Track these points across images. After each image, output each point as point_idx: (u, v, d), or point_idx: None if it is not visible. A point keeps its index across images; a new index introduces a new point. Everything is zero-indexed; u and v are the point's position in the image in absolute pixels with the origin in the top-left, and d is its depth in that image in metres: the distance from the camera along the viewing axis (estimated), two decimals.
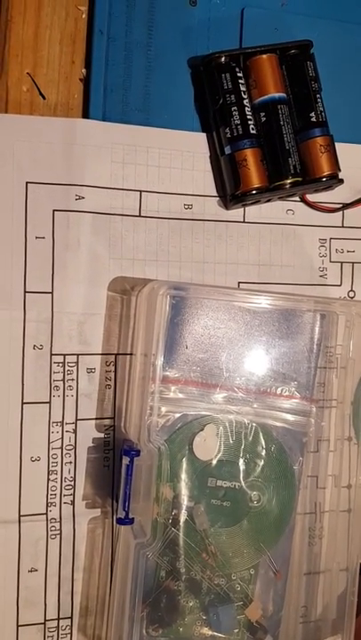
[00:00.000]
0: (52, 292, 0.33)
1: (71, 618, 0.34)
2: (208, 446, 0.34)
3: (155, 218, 0.35)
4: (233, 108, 0.33)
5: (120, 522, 0.31)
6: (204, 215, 0.35)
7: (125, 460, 0.31)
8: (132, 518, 0.31)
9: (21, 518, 0.33)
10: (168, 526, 0.33)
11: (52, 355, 0.33)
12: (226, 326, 0.34)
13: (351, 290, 0.37)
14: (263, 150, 0.34)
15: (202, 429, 0.34)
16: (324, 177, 0.34)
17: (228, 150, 0.34)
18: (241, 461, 0.34)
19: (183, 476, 0.33)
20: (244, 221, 0.36)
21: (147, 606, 0.33)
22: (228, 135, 0.34)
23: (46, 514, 0.33)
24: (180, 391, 0.34)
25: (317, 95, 0.34)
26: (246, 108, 0.34)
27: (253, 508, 0.34)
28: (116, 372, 0.34)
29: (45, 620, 0.33)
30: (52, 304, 0.33)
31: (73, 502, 0.34)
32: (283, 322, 0.35)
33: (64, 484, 0.33)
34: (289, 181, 0.34)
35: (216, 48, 0.35)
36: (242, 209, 0.36)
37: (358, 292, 0.37)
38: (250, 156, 0.33)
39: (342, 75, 0.37)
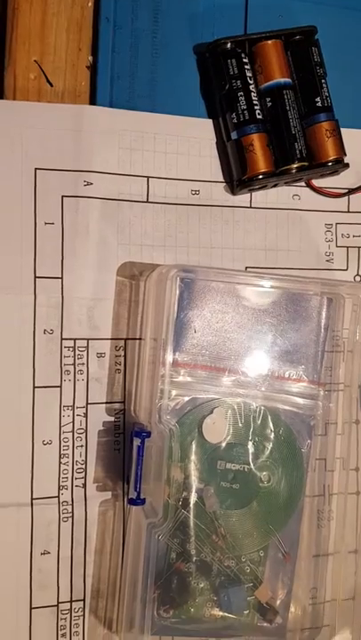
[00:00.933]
0: (61, 278, 0.34)
1: (84, 600, 0.34)
2: (217, 429, 0.34)
3: (162, 204, 0.35)
4: (239, 94, 0.34)
5: (132, 502, 0.31)
6: (211, 200, 0.36)
7: (137, 442, 0.31)
8: (144, 499, 0.31)
9: (34, 501, 0.33)
10: (178, 508, 0.33)
11: (62, 339, 0.34)
12: (234, 310, 0.34)
13: (358, 274, 0.38)
14: (269, 135, 0.34)
15: (211, 412, 0.34)
16: (330, 161, 0.35)
17: (234, 135, 0.34)
18: (250, 444, 0.34)
19: (193, 458, 0.34)
20: (250, 207, 0.36)
21: (158, 587, 0.33)
22: (235, 120, 0.34)
23: (58, 497, 0.34)
24: (190, 375, 0.34)
25: (322, 80, 0.35)
26: (252, 94, 0.34)
27: (263, 488, 0.34)
28: (125, 356, 0.35)
29: (58, 603, 0.34)
30: (61, 289, 0.34)
31: (84, 485, 0.34)
32: (290, 305, 0.35)
33: (75, 467, 0.34)
34: (295, 166, 0.34)
35: (221, 35, 0.35)
36: (248, 194, 0.36)
37: None
38: (256, 141, 0.34)
39: (347, 60, 0.38)
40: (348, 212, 0.38)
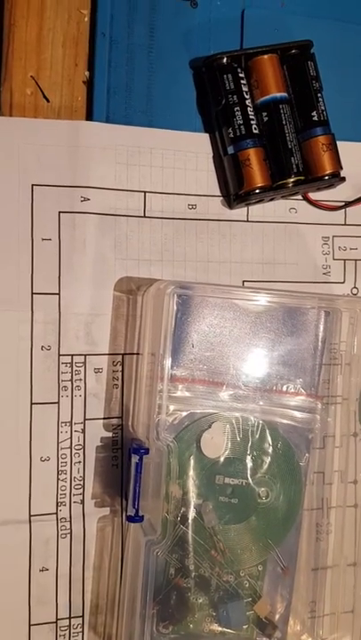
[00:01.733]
0: (59, 294, 0.34)
1: (82, 616, 0.34)
2: (215, 444, 0.34)
3: (159, 218, 0.35)
4: (235, 109, 0.34)
5: (130, 519, 0.31)
6: (207, 215, 0.36)
7: (135, 459, 0.31)
8: (142, 516, 0.31)
9: (32, 518, 0.33)
10: (177, 524, 0.33)
11: (59, 355, 0.34)
12: (231, 324, 0.34)
13: (354, 287, 0.38)
14: (266, 150, 0.34)
15: (209, 427, 0.34)
16: (326, 175, 0.35)
17: (231, 150, 0.34)
18: (248, 458, 0.34)
19: (191, 473, 0.34)
20: (247, 220, 0.36)
21: (157, 603, 0.33)
22: (231, 135, 0.34)
23: (56, 513, 0.33)
24: (187, 389, 0.34)
25: (318, 94, 0.35)
26: (249, 108, 0.34)
27: (262, 504, 0.34)
28: (123, 371, 0.35)
29: (57, 619, 0.34)
30: (59, 305, 0.34)
31: (82, 501, 0.34)
32: (287, 319, 0.35)
33: (73, 483, 0.34)
34: (292, 180, 0.34)
35: (217, 49, 0.35)
36: (245, 208, 0.36)
37: None
38: (253, 156, 0.34)
39: (342, 74, 0.38)
40: (345, 224, 0.38)
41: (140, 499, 0.31)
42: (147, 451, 0.31)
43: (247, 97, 0.34)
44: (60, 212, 0.34)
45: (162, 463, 0.31)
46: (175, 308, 0.32)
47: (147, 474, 0.31)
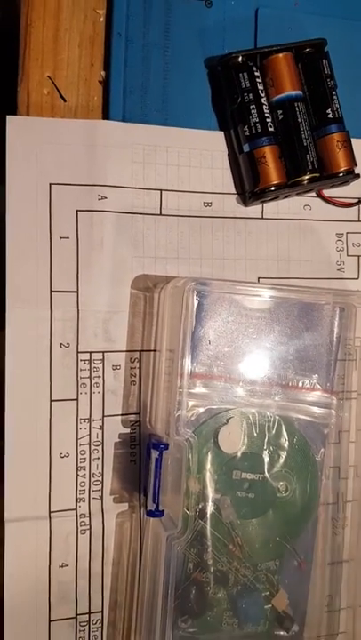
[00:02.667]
0: (77, 291, 0.34)
1: (102, 612, 0.34)
2: (233, 439, 0.34)
3: (175, 216, 0.35)
4: (251, 107, 0.34)
5: (150, 514, 0.32)
6: (223, 212, 0.36)
7: (155, 454, 0.31)
8: (163, 510, 0.32)
9: (52, 514, 0.33)
10: (196, 519, 0.33)
11: (78, 352, 0.34)
12: (247, 321, 0.35)
13: None
14: (281, 147, 0.35)
15: (226, 423, 0.34)
16: (341, 172, 0.35)
17: (246, 148, 0.34)
18: (265, 453, 0.35)
19: (209, 468, 0.34)
20: (262, 218, 0.37)
21: (176, 598, 0.34)
22: (247, 133, 0.34)
23: (76, 509, 0.34)
24: (205, 385, 0.34)
25: (333, 92, 0.35)
26: (264, 106, 0.34)
27: (280, 498, 0.34)
28: (140, 368, 0.35)
29: (77, 615, 0.34)
30: (77, 302, 0.34)
31: (101, 497, 0.34)
32: (302, 315, 0.35)
33: (92, 479, 0.34)
34: (307, 177, 0.35)
35: (231, 48, 0.36)
36: (260, 205, 0.36)
37: None
38: (268, 153, 0.34)
39: (356, 72, 0.38)
40: (359, 221, 0.38)
41: (160, 494, 0.31)
42: (166, 446, 0.32)
43: (262, 95, 0.34)
44: (77, 211, 0.34)
45: (182, 458, 0.32)
46: (195, 303, 0.32)
47: (166, 469, 0.32)
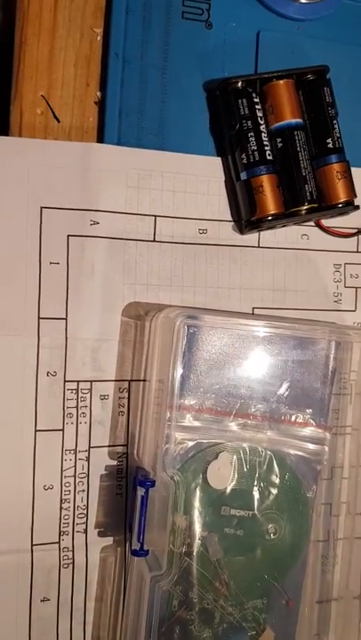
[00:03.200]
0: (65, 318, 0.33)
1: None
2: (222, 475, 0.33)
3: (169, 242, 0.34)
4: (250, 134, 0.33)
5: (135, 553, 0.31)
6: (218, 240, 0.35)
7: (140, 491, 0.31)
8: (147, 550, 0.31)
9: (34, 547, 0.32)
10: (182, 556, 0.32)
11: (65, 381, 0.33)
12: (240, 353, 0.34)
13: None
14: (279, 176, 0.34)
15: (216, 457, 0.33)
16: (340, 204, 0.34)
17: (244, 176, 0.33)
18: (255, 489, 0.34)
19: (197, 504, 0.33)
20: (258, 246, 0.36)
21: (160, 636, 0.33)
22: (245, 161, 0.33)
23: (59, 543, 0.33)
24: (195, 418, 0.33)
25: (334, 121, 0.34)
26: (263, 134, 0.33)
27: (269, 540, 0.34)
28: (129, 398, 0.34)
29: None
30: (65, 330, 0.33)
31: (86, 531, 0.33)
32: (297, 349, 0.35)
33: (77, 512, 0.33)
34: (305, 208, 0.34)
35: (232, 71, 0.35)
36: (256, 234, 0.36)
37: None
38: (266, 182, 0.33)
39: (358, 98, 0.37)
40: (358, 252, 0.37)
41: (145, 532, 0.30)
42: (153, 483, 0.31)
43: (262, 122, 0.33)
44: (68, 236, 0.33)
45: (168, 496, 0.31)
46: (185, 339, 0.31)
47: (152, 507, 0.31)
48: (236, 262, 0.35)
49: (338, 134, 0.34)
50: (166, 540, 0.31)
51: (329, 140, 0.34)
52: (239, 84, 0.33)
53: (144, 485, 0.30)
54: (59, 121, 0.34)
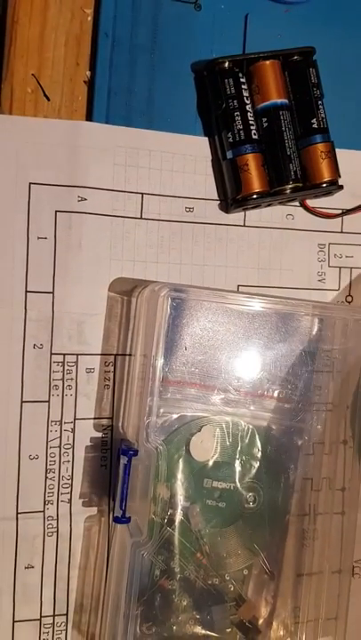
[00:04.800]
0: (52, 292, 0.34)
1: (66, 615, 0.34)
2: (205, 447, 0.34)
3: (156, 220, 0.35)
4: (235, 114, 0.34)
5: (117, 520, 0.31)
6: (204, 218, 0.36)
7: (123, 460, 0.31)
8: (129, 517, 0.31)
9: (19, 516, 0.33)
10: (164, 526, 0.33)
11: (51, 354, 0.34)
12: (224, 329, 0.34)
13: (349, 295, 0.38)
14: (265, 155, 0.34)
15: (199, 430, 0.34)
16: (324, 183, 0.35)
17: (229, 155, 0.34)
18: (237, 463, 0.34)
19: (180, 476, 0.34)
20: (244, 225, 0.36)
21: (141, 604, 0.33)
22: (231, 140, 0.34)
23: (43, 511, 0.34)
24: (179, 392, 0.34)
25: (319, 102, 0.35)
26: (249, 114, 0.34)
27: (248, 509, 0.34)
28: (115, 372, 0.35)
29: (41, 617, 0.34)
30: (52, 304, 0.34)
31: (70, 500, 0.34)
32: (281, 325, 0.35)
33: (61, 482, 0.34)
34: (290, 187, 0.34)
35: (220, 53, 0.35)
36: (242, 213, 0.36)
37: (356, 296, 0.38)
38: (251, 161, 0.34)
39: (344, 81, 0.38)
40: (342, 232, 0.38)
41: (127, 500, 0.31)
42: (136, 452, 0.31)
43: (248, 102, 0.34)
44: (56, 212, 0.34)
45: (150, 465, 0.31)
46: (169, 310, 0.32)
47: (135, 475, 0.32)
48: (222, 240, 0.36)
49: (323, 115, 0.35)
50: (148, 508, 0.32)
51: (314, 121, 0.34)
52: (226, 64, 0.34)
53: (127, 454, 0.31)
54: (49, 99, 0.35)
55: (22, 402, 0.33)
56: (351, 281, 0.38)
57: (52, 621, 0.34)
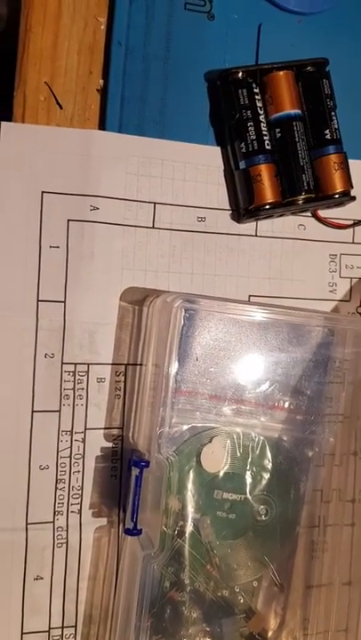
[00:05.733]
0: (64, 301, 0.33)
1: (75, 626, 0.34)
2: (216, 458, 0.34)
3: (168, 230, 0.35)
4: (249, 124, 0.34)
5: (128, 532, 0.31)
6: (216, 228, 0.36)
7: (135, 471, 0.31)
8: (141, 529, 0.31)
9: (29, 526, 0.33)
10: (174, 537, 0.33)
11: (62, 363, 0.33)
12: (236, 339, 0.34)
13: (360, 306, 0.38)
14: (277, 166, 0.34)
15: (210, 441, 0.34)
16: (336, 194, 0.35)
17: (242, 165, 0.34)
18: (247, 474, 0.34)
19: (190, 487, 0.33)
20: (256, 235, 0.36)
21: (151, 616, 0.33)
22: (244, 150, 0.34)
23: (53, 522, 0.33)
24: (190, 403, 0.34)
25: (332, 113, 0.35)
26: (262, 124, 0.34)
27: (260, 522, 0.34)
28: (125, 382, 0.34)
29: (50, 629, 0.34)
30: (64, 313, 0.33)
31: (80, 511, 0.34)
32: (292, 336, 0.35)
33: (72, 492, 0.34)
34: (302, 197, 0.34)
35: (233, 62, 0.35)
36: (254, 223, 0.36)
37: None
38: (264, 172, 0.34)
39: (357, 91, 0.38)
40: (353, 242, 0.38)
41: (138, 512, 0.31)
42: (147, 464, 0.31)
43: (261, 112, 0.34)
44: (68, 220, 0.33)
45: (162, 477, 0.31)
46: (182, 322, 0.32)
47: (146, 487, 0.31)
48: (234, 250, 0.36)
49: (336, 126, 0.35)
50: (159, 520, 0.31)
51: (327, 132, 0.34)
52: (240, 74, 0.34)
53: (138, 465, 0.31)
54: (61, 107, 0.34)
55: (33, 411, 0.33)
56: None
57: (60, 633, 0.34)
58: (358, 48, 0.38)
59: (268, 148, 0.34)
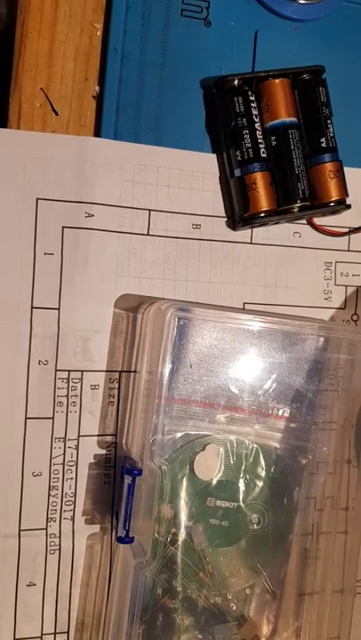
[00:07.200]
0: (58, 308, 0.33)
1: (67, 633, 0.34)
2: (209, 466, 0.34)
3: (163, 237, 0.35)
4: (244, 132, 0.34)
5: (120, 540, 0.31)
6: (211, 235, 0.36)
7: (127, 479, 0.31)
8: (133, 537, 0.31)
9: (21, 533, 0.33)
10: (167, 545, 0.33)
11: (56, 370, 0.33)
12: (230, 347, 0.34)
13: (355, 313, 0.38)
14: (273, 174, 0.34)
15: (203, 449, 0.34)
16: (332, 202, 0.35)
17: (238, 173, 0.34)
18: (241, 482, 0.34)
19: (183, 494, 0.34)
20: (251, 242, 0.36)
21: (143, 623, 0.33)
22: (239, 158, 0.34)
23: (46, 529, 0.33)
24: (183, 410, 0.34)
25: (328, 121, 0.35)
26: (257, 132, 0.34)
27: (253, 529, 0.34)
28: (119, 389, 0.34)
29: (42, 635, 0.34)
30: (58, 320, 0.33)
31: (73, 518, 0.34)
32: (286, 344, 0.35)
33: (65, 499, 0.34)
34: (297, 205, 0.34)
35: (229, 69, 0.35)
36: (249, 230, 0.36)
37: None
38: (259, 180, 0.34)
39: (353, 100, 0.38)
40: (349, 250, 0.38)
41: (131, 520, 0.31)
42: (140, 472, 0.31)
43: (256, 120, 0.34)
44: (63, 227, 0.33)
45: (155, 485, 0.31)
46: (175, 330, 0.32)
47: (139, 495, 0.31)
48: (229, 258, 0.36)
49: (331, 134, 0.35)
50: (152, 528, 0.31)
51: (323, 140, 0.34)
52: (236, 81, 0.34)
53: (131, 474, 0.31)
54: (57, 114, 0.34)
55: (26, 418, 0.33)
56: (357, 299, 0.38)
57: (52, 639, 0.34)
58: (355, 55, 0.37)
59: (263, 155, 0.34)
